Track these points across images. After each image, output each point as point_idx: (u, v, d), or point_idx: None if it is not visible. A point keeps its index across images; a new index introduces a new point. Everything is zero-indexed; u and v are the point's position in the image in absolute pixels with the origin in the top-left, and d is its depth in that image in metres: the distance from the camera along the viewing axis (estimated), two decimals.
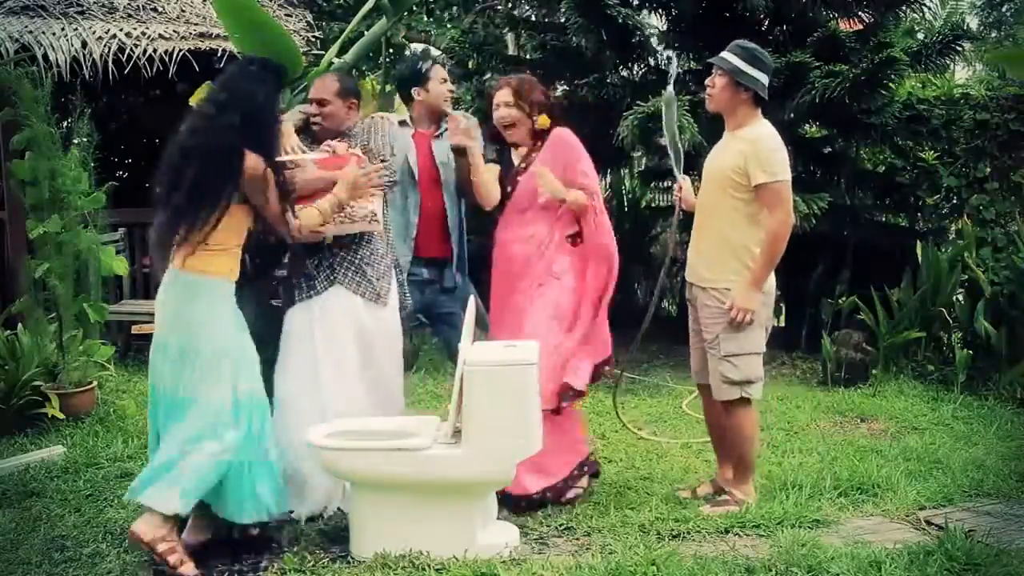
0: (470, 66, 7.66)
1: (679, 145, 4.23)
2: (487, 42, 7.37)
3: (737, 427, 3.80)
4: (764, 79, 3.71)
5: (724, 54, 3.76)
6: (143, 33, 6.85)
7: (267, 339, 3.60)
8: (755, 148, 3.66)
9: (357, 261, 3.67)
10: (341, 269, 3.65)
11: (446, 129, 4.02)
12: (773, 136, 3.72)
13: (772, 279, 3.82)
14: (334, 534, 3.52)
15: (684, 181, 4.15)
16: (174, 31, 7.01)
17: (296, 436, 3.47)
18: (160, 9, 7.24)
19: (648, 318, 4.25)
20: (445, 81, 4.09)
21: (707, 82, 3.85)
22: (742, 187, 3.68)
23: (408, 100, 4.14)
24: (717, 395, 3.80)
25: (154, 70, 6.71)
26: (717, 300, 3.74)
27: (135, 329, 6.88)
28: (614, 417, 4.77)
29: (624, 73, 7.15)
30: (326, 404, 3.56)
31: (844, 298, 6.37)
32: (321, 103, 3.79)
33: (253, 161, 3.23)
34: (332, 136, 3.78)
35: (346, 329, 3.63)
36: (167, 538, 3.14)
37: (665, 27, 7.23)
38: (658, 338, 7.06)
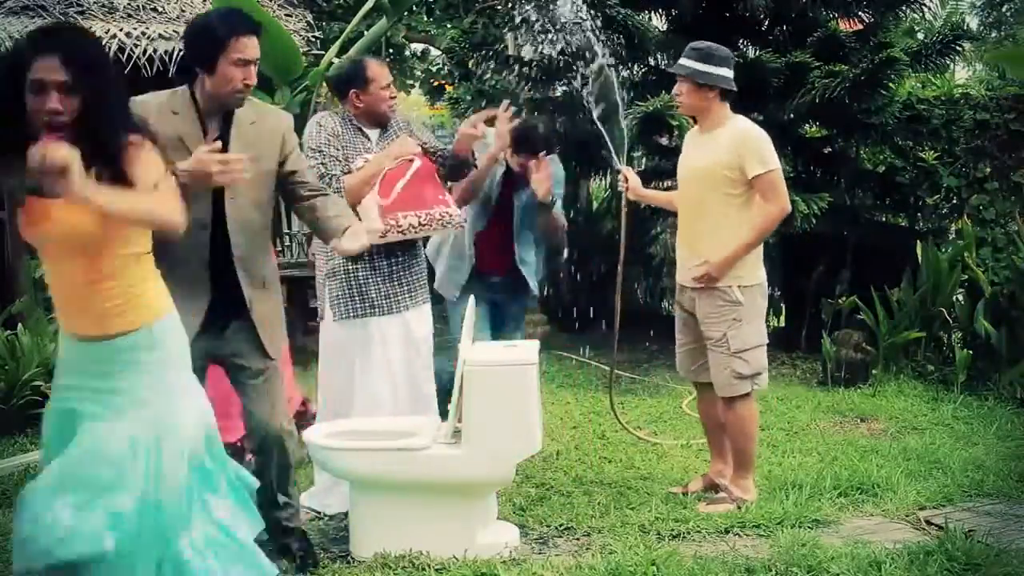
0: (470, 66, 7.66)
1: (622, 128, 4.25)
2: (487, 42, 7.36)
3: (739, 422, 3.82)
4: (724, 72, 3.75)
5: (680, 60, 3.82)
6: (143, 33, 6.85)
7: None
8: (746, 142, 3.71)
9: (422, 269, 3.82)
10: (421, 279, 3.77)
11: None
12: (757, 127, 3.78)
13: (763, 273, 3.86)
14: (334, 534, 3.53)
15: (628, 171, 4.18)
16: (174, 31, 7.01)
17: None
18: (160, 9, 7.24)
19: (617, 317, 4.26)
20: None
21: (674, 91, 3.91)
22: (737, 183, 3.71)
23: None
24: (724, 392, 3.81)
25: (154, 70, 6.71)
26: (719, 298, 3.77)
27: None
28: (613, 417, 4.77)
29: (624, 73, 7.15)
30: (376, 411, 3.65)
31: (844, 298, 6.37)
32: (390, 88, 3.76)
33: None
34: (383, 123, 3.78)
35: (412, 338, 3.72)
36: None
37: (665, 27, 7.23)
38: (658, 338, 7.06)
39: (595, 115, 4.32)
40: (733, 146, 3.71)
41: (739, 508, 3.73)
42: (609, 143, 4.23)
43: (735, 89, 3.79)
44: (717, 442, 4.03)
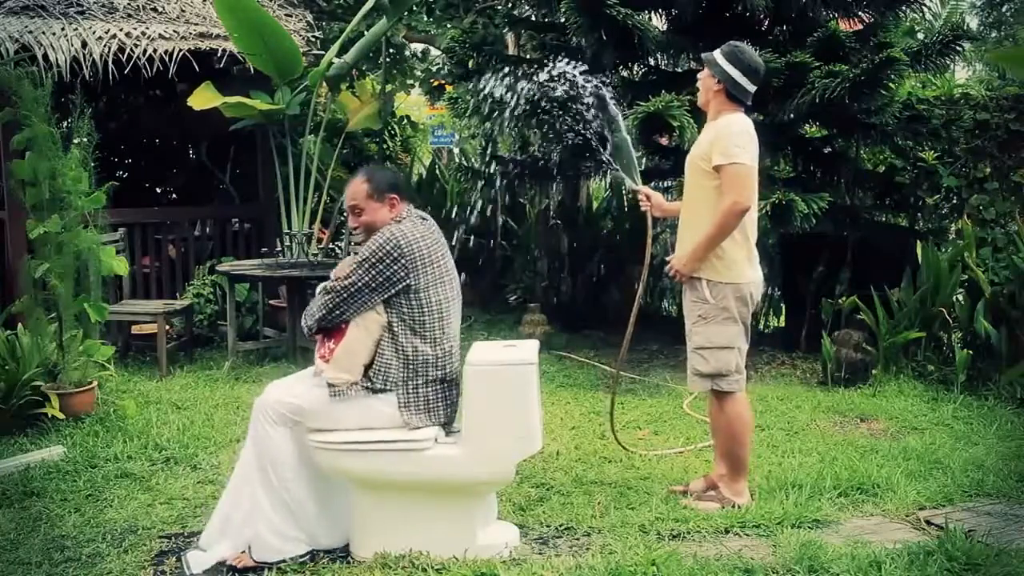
0: (470, 66, 7.65)
1: (631, 154, 4.35)
2: (487, 42, 7.36)
3: (725, 423, 3.85)
4: (736, 75, 3.79)
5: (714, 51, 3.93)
6: (143, 33, 6.86)
7: None
8: (719, 133, 3.77)
9: None
10: None
11: None
12: (739, 123, 3.79)
13: (754, 276, 3.85)
14: None
15: (647, 190, 4.26)
16: (174, 31, 7.02)
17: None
18: (160, 9, 7.25)
19: (633, 320, 4.26)
20: None
21: (699, 75, 3.98)
22: (710, 174, 3.77)
23: None
24: (689, 385, 3.94)
25: (154, 70, 6.72)
26: (692, 291, 3.85)
27: (135, 329, 6.89)
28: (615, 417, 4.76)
29: (624, 73, 7.15)
30: None
31: (844, 298, 6.37)
32: (354, 210, 3.41)
33: None
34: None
35: None
36: None
37: (665, 27, 7.23)
38: (658, 338, 7.07)
39: (607, 149, 4.38)
40: (711, 138, 3.79)
41: (723, 507, 3.75)
42: (620, 169, 4.28)
43: (742, 98, 3.81)
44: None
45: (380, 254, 3.24)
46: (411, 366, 3.28)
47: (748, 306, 3.83)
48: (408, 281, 3.25)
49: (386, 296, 3.26)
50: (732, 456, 3.86)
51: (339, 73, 7.27)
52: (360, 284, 3.24)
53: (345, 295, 3.25)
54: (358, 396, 3.28)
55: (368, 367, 3.30)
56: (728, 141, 3.71)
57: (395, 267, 3.23)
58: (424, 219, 3.45)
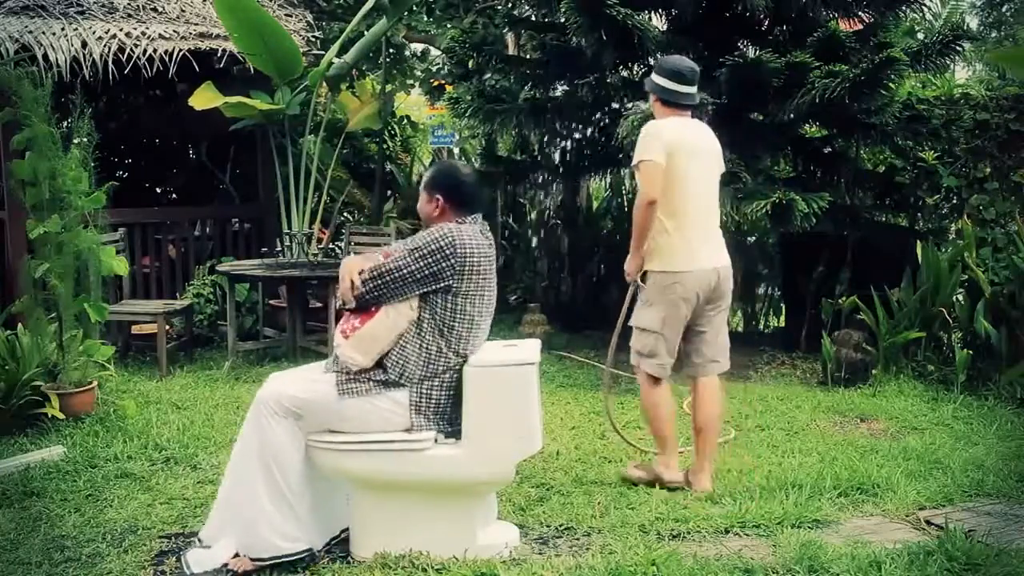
0: (470, 66, 7.65)
1: None
2: (487, 42, 7.36)
3: (644, 404, 4.18)
4: (662, 81, 4.07)
5: None
6: (143, 33, 6.86)
7: None
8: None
9: None
10: None
11: None
12: (650, 125, 4.02)
13: (693, 267, 3.96)
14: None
15: None
16: (174, 31, 7.02)
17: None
18: (160, 9, 7.26)
19: (622, 316, 4.33)
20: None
21: None
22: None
23: None
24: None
25: (154, 70, 6.72)
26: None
27: (135, 329, 6.89)
28: (611, 425, 4.76)
29: (624, 73, 7.15)
30: None
31: (844, 298, 6.38)
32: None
33: None
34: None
35: None
36: None
37: (665, 27, 7.23)
38: None
39: None
40: None
41: (648, 478, 4.05)
42: None
43: (676, 100, 4.03)
44: (698, 435, 4.17)
45: (433, 247, 3.25)
46: (430, 367, 3.28)
47: (675, 295, 3.95)
48: (450, 282, 3.26)
49: (425, 290, 3.27)
50: (654, 432, 4.16)
51: (339, 73, 7.27)
52: (405, 271, 3.25)
53: (388, 278, 3.26)
54: (368, 395, 3.26)
55: (383, 358, 3.29)
56: (640, 142, 3.97)
57: (444, 264, 3.25)
58: (485, 234, 3.45)
